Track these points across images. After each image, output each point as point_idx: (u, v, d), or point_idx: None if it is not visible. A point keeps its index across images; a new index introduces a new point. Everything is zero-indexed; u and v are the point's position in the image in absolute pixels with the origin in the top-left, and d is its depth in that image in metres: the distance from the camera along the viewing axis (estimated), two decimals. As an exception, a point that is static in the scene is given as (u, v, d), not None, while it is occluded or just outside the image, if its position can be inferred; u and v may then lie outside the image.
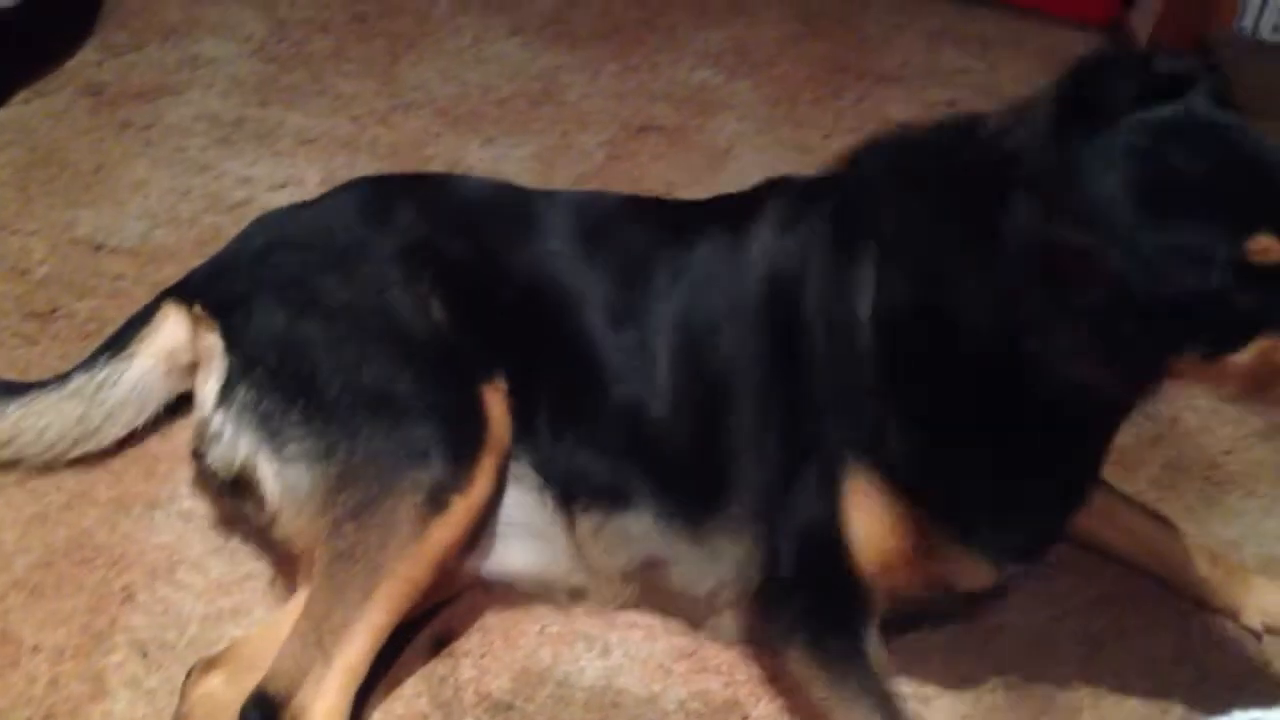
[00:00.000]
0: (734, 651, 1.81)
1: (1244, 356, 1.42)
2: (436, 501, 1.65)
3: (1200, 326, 1.41)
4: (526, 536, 1.83)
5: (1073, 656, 1.83)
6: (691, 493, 1.78)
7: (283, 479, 1.70)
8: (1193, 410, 2.27)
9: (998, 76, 3.27)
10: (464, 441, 1.69)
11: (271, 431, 1.72)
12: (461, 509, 1.67)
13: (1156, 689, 1.80)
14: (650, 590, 1.84)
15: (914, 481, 1.64)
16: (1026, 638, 1.86)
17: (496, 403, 1.76)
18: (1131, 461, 2.14)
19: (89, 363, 1.90)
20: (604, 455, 1.81)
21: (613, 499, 1.80)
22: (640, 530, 1.80)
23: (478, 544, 1.77)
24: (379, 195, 1.96)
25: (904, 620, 1.79)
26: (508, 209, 1.96)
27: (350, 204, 1.94)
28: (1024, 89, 3.18)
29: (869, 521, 1.65)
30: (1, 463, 1.89)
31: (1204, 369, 1.45)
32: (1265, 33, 3.18)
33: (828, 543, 1.68)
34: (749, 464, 1.75)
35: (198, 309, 1.86)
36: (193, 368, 1.88)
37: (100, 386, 1.89)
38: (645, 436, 1.80)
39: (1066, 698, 1.78)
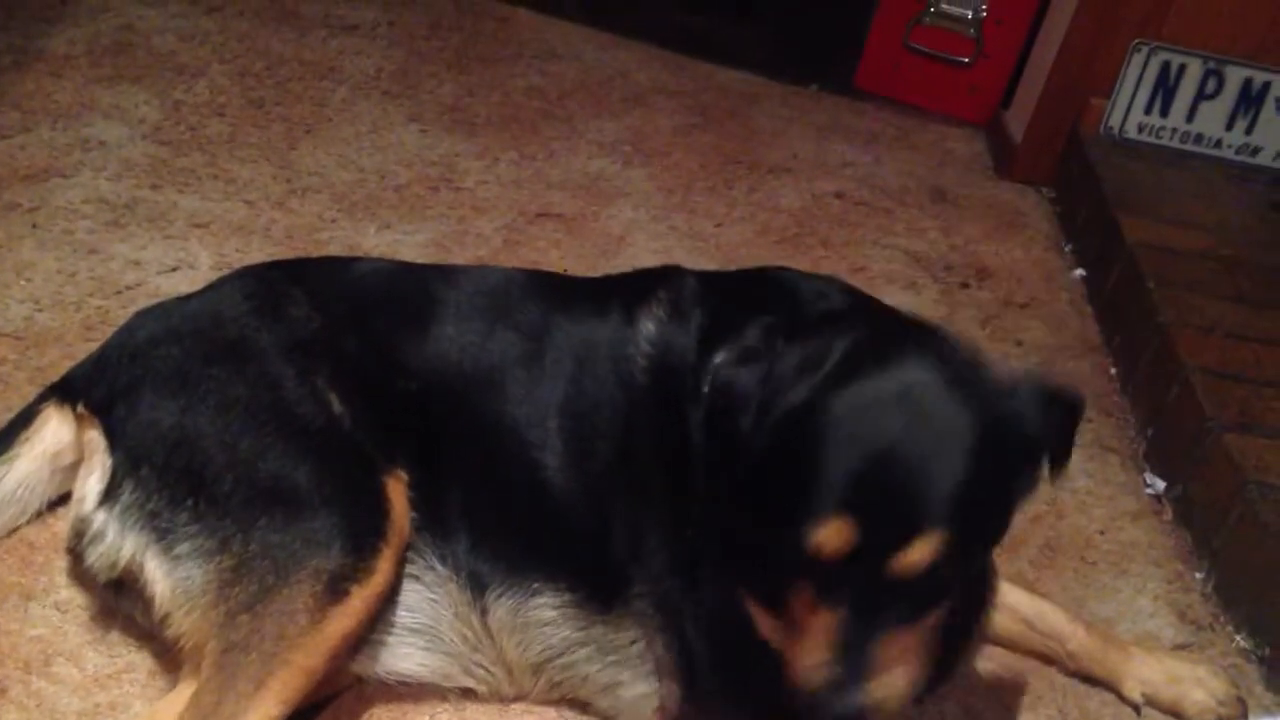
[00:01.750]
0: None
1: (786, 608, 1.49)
2: (335, 591, 1.62)
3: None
4: (422, 638, 1.80)
5: (956, 735, 1.87)
6: (595, 581, 1.77)
7: (173, 578, 1.66)
8: (1070, 492, 2.35)
9: (882, 169, 3.40)
10: (365, 532, 1.67)
11: (160, 531, 1.68)
12: (360, 599, 1.64)
13: (1037, 767, 1.84)
14: (559, 680, 1.82)
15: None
16: (906, 717, 1.88)
17: (398, 493, 1.74)
18: (1013, 542, 2.20)
19: None
20: (513, 542, 1.80)
21: (524, 586, 1.79)
22: (551, 617, 1.78)
23: (373, 637, 1.75)
24: (267, 285, 1.92)
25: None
26: (401, 295, 1.95)
27: (238, 294, 1.90)
28: (907, 180, 3.34)
29: (776, 635, 1.61)
30: None
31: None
32: (1131, 133, 3.36)
33: (739, 645, 1.65)
34: (645, 562, 1.75)
35: (81, 409, 1.82)
36: (76, 466, 1.83)
37: None
38: (546, 524, 1.79)
39: (951, 777, 1.81)
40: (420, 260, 2.63)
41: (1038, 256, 3.10)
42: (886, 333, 1.60)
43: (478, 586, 1.80)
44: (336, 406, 1.77)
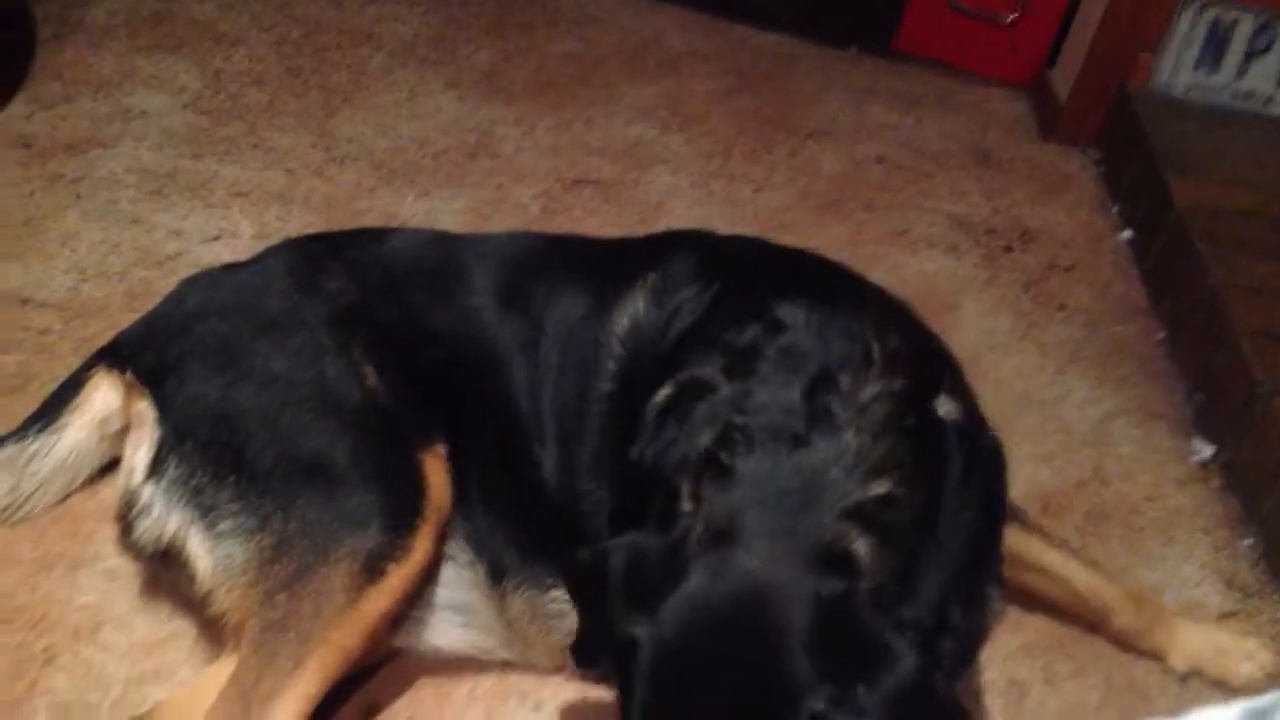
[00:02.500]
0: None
1: None
2: (373, 570, 1.63)
3: None
4: (458, 614, 1.81)
5: (998, 706, 1.85)
6: None
7: (214, 555, 1.68)
8: (1115, 458, 2.32)
9: (924, 132, 3.35)
10: (402, 510, 1.68)
11: (203, 508, 1.69)
12: (398, 578, 1.65)
13: (1082, 735, 1.83)
14: None
15: None
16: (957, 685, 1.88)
17: (436, 469, 1.75)
18: (1057, 508, 2.18)
19: (20, 433, 1.87)
20: (525, 530, 1.80)
21: (537, 579, 1.78)
22: (568, 609, 1.75)
23: (412, 613, 1.75)
24: (307, 259, 1.93)
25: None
26: (432, 266, 1.95)
27: (279, 268, 1.91)
28: (949, 143, 3.29)
29: None
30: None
31: None
32: (1180, 91, 3.29)
33: None
34: None
35: (129, 376, 1.84)
36: (124, 433, 1.85)
37: (32, 458, 1.87)
38: (549, 520, 1.79)
39: (993, 747, 1.80)
40: (458, 229, 2.63)
41: (1083, 219, 3.05)
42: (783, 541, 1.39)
43: (497, 573, 1.80)
44: (372, 380, 1.77)
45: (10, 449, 1.85)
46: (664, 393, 1.62)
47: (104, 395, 1.87)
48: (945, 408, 1.59)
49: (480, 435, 1.82)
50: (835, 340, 1.55)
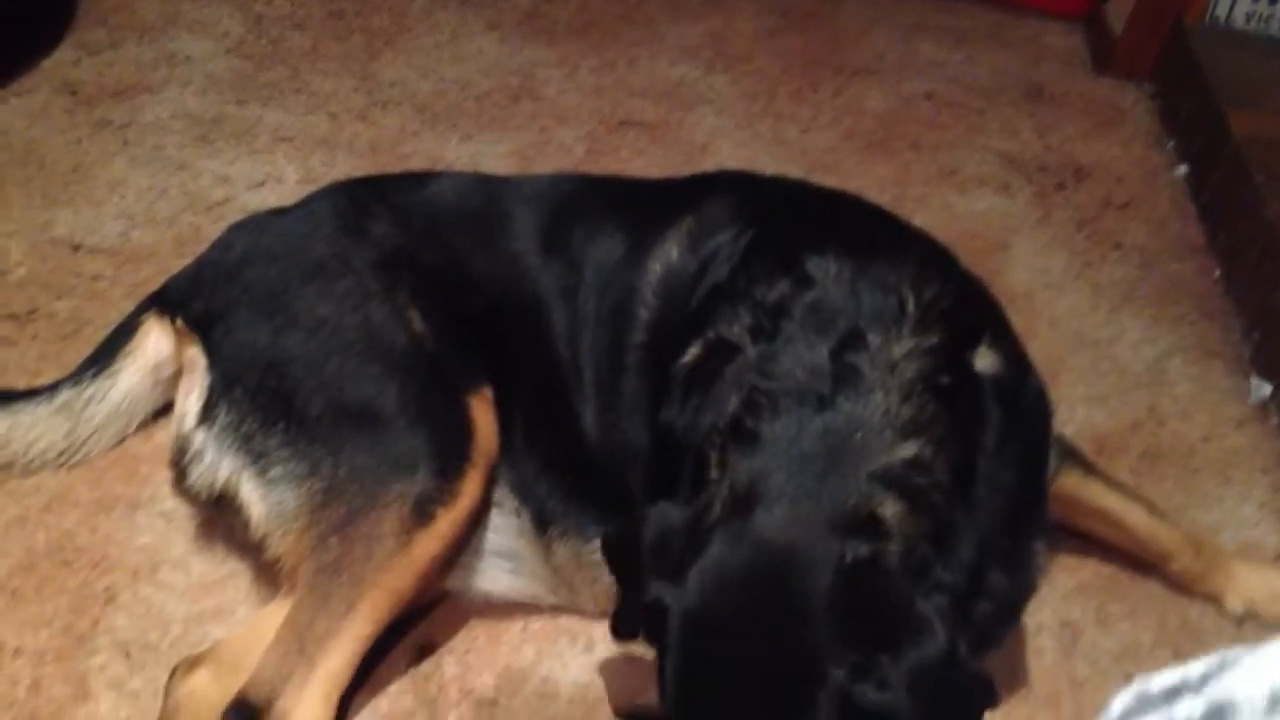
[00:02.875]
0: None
1: None
2: (422, 514, 1.64)
3: None
4: (506, 561, 1.82)
5: (1050, 647, 1.84)
6: None
7: (267, 502, 1.70)
8: (1171, 398, 2.29)
9: (974, 68, 3.28)
10: (450, 454, 1.68)
11: (254, 454, 1.71)
12: (447, 522, 1.66)
13: (1137, 674, 1.81)
14: None
15: None
16: (1006, 627, 1.87)
17: (483, 413, 1.75)
18: (1111, 449, 2.15)
19: (75, 378, 1.90)
20: (567, 479, 1.80)
21: (580, 526, 1.79)
22: None
23: (461, 559, 1.76)
24: (353, 203, 1.93)
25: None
26: (474, 210, 1.94)
27: (325, 212, 1.91)
28: (1000, 79, 3.22)
29: None
30: (-4, 473, 1.90)
31: None
32: (1238, 22, 3.20)
33: None
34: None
35: (179, 324, 1.85)
36: (177, 378, 1.87)
37: (87, 403, 1.89)
38: (590, 471, 1.79)
39: (1045, 686, 1.79)
40: (503, 172, 2.62)
41: (1138, 155, 2.99)
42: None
43: (541, 521, 1.81)
44: (418, 324, 1.78)
45: (66, 393, 1.88)
46: (692, 352, 1.60)
47: (155, 341, 1.89)
48: (984, 361, 1.55)
49: (523, 382, 1.82)
50: (867, 294, 1.52)
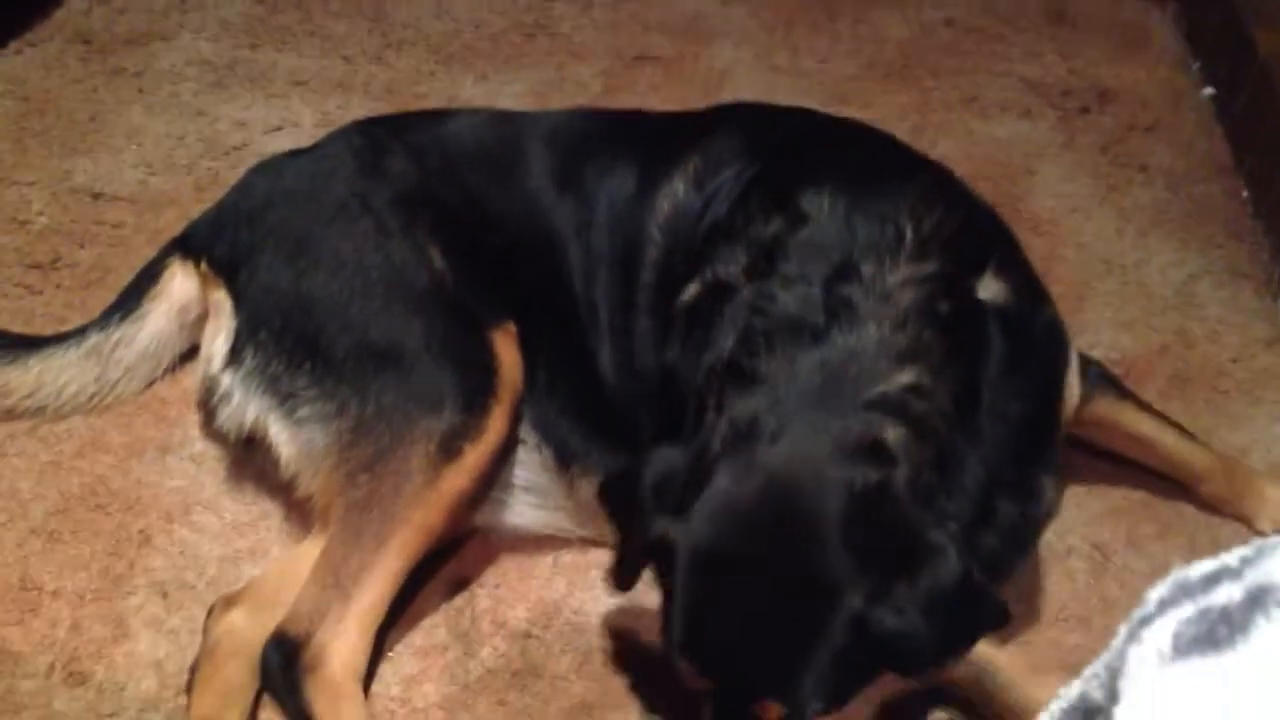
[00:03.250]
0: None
1: None
2: (449, 450, 1.65)
3: None
4: (534, 496, 1.83)
5: (1082, 569, 1.84)
6: None
7: (296, 442, 1.71)
8: (1199, 320, 2.26)
9: (995, -9, 3.22)
10: (475, 389, 1.69)
11: (281, 396, 1.72)
12: (474, 457, 1.67)
13: (1167, 594, 1.82)
14: None
15: None
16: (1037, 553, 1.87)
17: (507, 347, 1.75)
18: (1139, 374, 2.14)
19: (102, 323, 1.91)
20: (586, 416, 1.81)
21: (600, 464, 1.79)
22: None
23: (490, 494, 1.78)
24: (369, 142, 1.93)
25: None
26: (490, 147, 1.93)
27: (343, 153, 1.91)
28: (1021, 2, 3.16)
29: None
30: (21, 414, 1.91)
31: None
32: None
33: None
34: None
35: (204, 267, 1.86)
36: (203, 320, 1.88)
37: (115, 346, 1.90)
38: (608, 410, 1.80)
39: (1076, 608, 1.79)
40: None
41: (1163, 76, 2.94)
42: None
43: (564, 458, 1.82)
44: (438, 262, 1.78)
45: (94, 338, 1.89)
46: (691, 291, 1.60)
47: (180, 284, 1.90)
48: (990, 290, 1.54)
49: (544, 321, 1.82)
50: (861, 226, 1.51)
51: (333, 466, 1.67)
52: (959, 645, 1.36)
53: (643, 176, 1.82)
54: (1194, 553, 1.87)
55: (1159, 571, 1.81)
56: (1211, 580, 0.77)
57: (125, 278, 2.02)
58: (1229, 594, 0.74)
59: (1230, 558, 0.78)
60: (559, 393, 1.82)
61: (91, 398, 1.92)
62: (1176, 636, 0.74)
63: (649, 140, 1.90)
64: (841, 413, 1.36)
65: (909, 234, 1.50)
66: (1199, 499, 1.93)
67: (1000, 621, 1.35)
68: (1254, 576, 0.74)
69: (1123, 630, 0.82)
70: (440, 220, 1.82)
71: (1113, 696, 0.79)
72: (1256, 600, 0.72)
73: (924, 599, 1.28)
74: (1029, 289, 1.63)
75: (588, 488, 1.80)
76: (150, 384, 1.97)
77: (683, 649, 1.36)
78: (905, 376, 1.39)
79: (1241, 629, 0.71)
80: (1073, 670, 1.67)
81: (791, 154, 1.75)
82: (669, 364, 1.62)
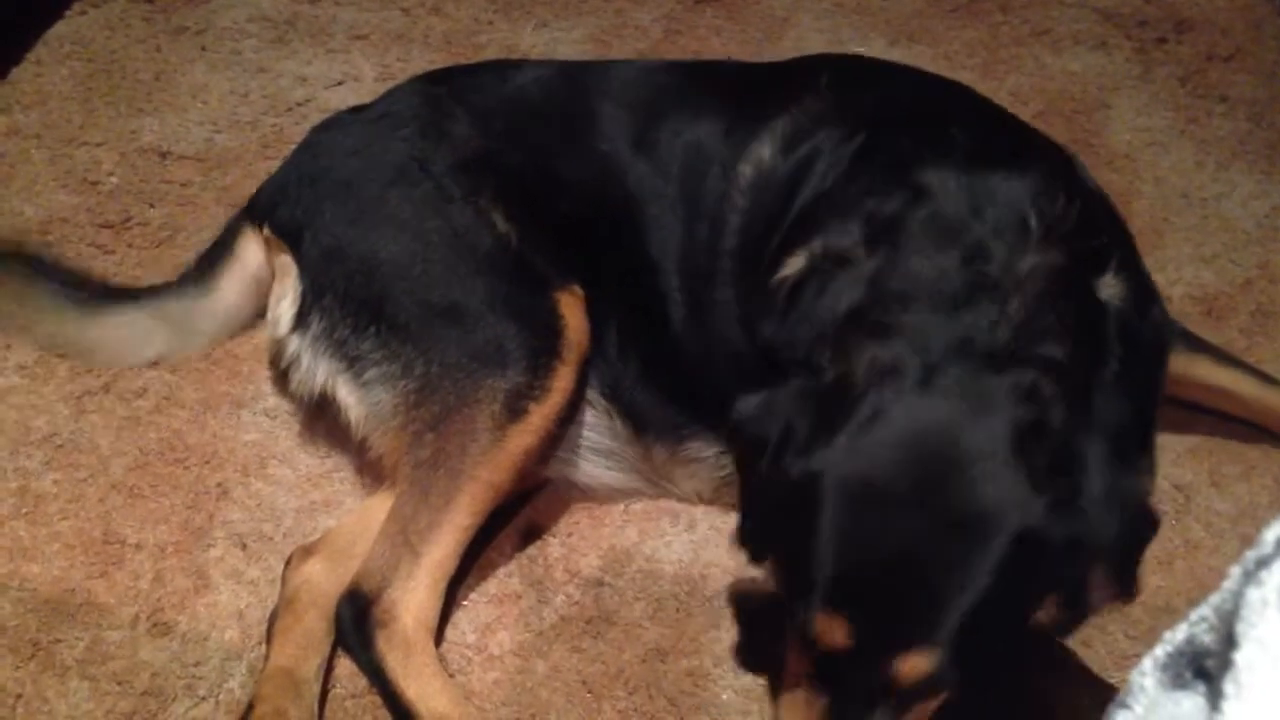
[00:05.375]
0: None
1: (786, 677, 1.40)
2: (514, 409, 1.65)
3: None
4: (604, 458, 1.83)
5: (1164, 510, 1.80)
6: None
7: (365, 404, 1.72)
8: (1284, 254, 2.20)
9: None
10: (540, 349, 1.68)
11: (349, 358, 1.73)
12: (539, 416, 1.67)
13: (1254, 535, 1.77)
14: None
15: None
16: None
17: (573, 308, 1.74)
18: (1221, 309, 2.08)
19: (179, 289, 1.94)
20: (659, 381, 1.79)
21: (676, 429, 1.79)
22: (708, 455, 1.78)
23: (560, 446, 1.77)
24: (430, 103, 1.91)
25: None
26: (557, 107, 1.90)
27: (404, 114, 1.89)
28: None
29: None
30: (96, 366, 1.95)
31: None
32: None
33: None
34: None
35: (267, 231, 1.87)
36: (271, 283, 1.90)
37: (189, 313, 1.94)
38: (682, 371, 1.78)
39: (1159, 550, 1.75)
40: (580, 58, 2.57)
41: (1242, 3, 2.82)
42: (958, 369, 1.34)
43: (636, 423, 1.81)
44: (502, 225, 1.77)
45: (171, 303, 1.92)
46: (796, 264, 1.55)
47: (252, 252, 1.92)
48: (1110, 290, 1.49)
49: (614, 286, 1.80)
50: (988, 209, 1.46)
51: (400, 426, 1.68)
52: (1131, 552, 1.34)
53: (724, 138, 1.78)
54: (1279, 494, 1.82)
55: (1244, 514, 1.80)
56: None
57: (195, 236, 2.04)
58: None
59: None
60: (631, 359, 1.81)
61: (163, 356, 1.95)
62: None
63: (730, 97, 1.85)
64: (993, 363, 1.33)
65: (1034, 222, 1.45)
66: None
67: (1155, 530, 1.35)
68: None
69: (1235, 571, 0.79)
70: (505, 186, 1.80)
71: (1229, 640, 0.76)
72: None
73: (1099, 505, 1.28)
74: (1144, 290, 1.59)
75: (661, 452, 1.80)
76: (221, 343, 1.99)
77: (830, 592, 1.28)
78: (1048, 349, 1.36)
79: None
80: (1158, 613, 1.67)
81: (899, 124, 1.69)
82: (768, 337, 1.58)
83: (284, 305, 1.81)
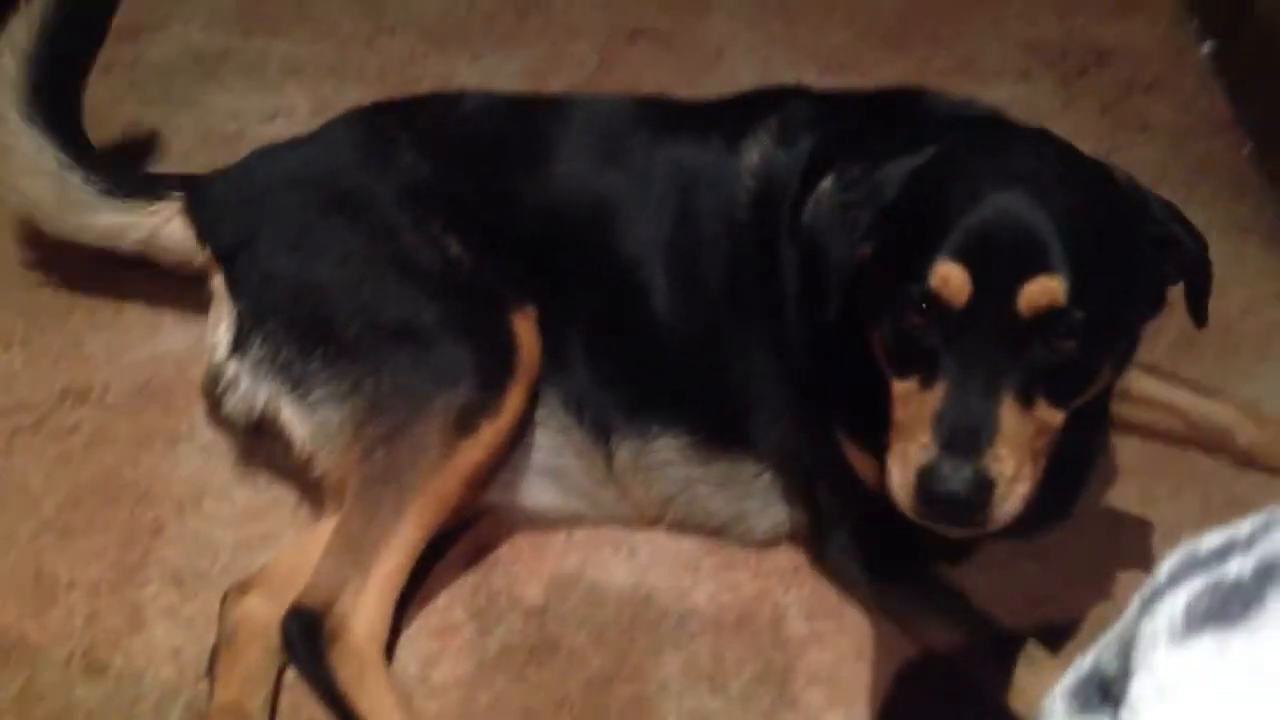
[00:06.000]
0: (759, 547, 1.83)
1: (898, 386, 1.43)
2: (465, 424, 1.66)
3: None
4: (552, 479, 1.83)
5: (1095, 528, 1.84)
6: (713, 421, 1.78)
7: (311, 422, 1.71)
8: (1204, 278, 2.25)
9: (991, -44, 3.20)
10: (493, 367, 1.69)
11: (293, 380, 1.72)
12: (490, 432, 1.67)
13: (1182, 551, 1.81)
14: (685, 515, 1.83)
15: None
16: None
17: (526, 329, 1.75)
18: (1149, 333, 2.13)
19: (102, 175, 1.94)
20: (633, 382, 1.80)
21: (645, 427, 1.79)
22: (674, 456, 1.80)
23: (505, 469, 1.78)
24: (375, 132, 1.91)
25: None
26: (510, 133, 1.91)
27: (348, 141, 1.90)
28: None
29: (872, 477, 1.61)
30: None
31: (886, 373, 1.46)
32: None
33: (850, 481, 1.67)
34: (757, 400, 1.75)
35: (209, 252, 1.85)
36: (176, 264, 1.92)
37: (80, 193, 1.93)
38: (660, 367, 1.79)
39: (1090, 569, 1.79)
40: (516, 90, 2.58)
41: (1161, 34, 2.92)
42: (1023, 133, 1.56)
43: (602, 432, 1.81)
44: (455, 249, 1.77)
45: (77, 176, 1.92)
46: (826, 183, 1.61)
47: (178, 229, 1.90)
48: None
49: (580, 298, 1.81)
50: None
51: (348, 443, 1.68)
52: (1210, 280, 1.51)
53: (710, 140, 1.82)
54: (1208, 512, 1.87)
55: (1172, 531, 1.84)
56: (1221, 553, 0.77)
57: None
58: (1239, 567, 0.75)
59: (1239, 530, 0.78)
60: (601, 365, 1.81)
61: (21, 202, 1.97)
62: (1188, 610, 0.74)
63: (697, 115, 1.91)
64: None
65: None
66: (1235, 455, 1.91)
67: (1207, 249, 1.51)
68: (1263, 550, 0.74)
69: (1135, 600, 0.82)
70: (456, 213, 1.81)
71: (1126, 669, 0.79)
72: (1267, 574, 0.72)
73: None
74: None
75: (625, 458, 1.80)
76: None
77: (948, 245, 1.35)
78: None
79: (1254, 602, 0.71)
80: (1097, 633, 1.69)
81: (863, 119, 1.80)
82: (806, 223, 1.58)
83: (220, 330, 1.80)
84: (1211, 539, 0.80)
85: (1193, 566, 0.79)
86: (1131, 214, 1.43)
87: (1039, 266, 1.33)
